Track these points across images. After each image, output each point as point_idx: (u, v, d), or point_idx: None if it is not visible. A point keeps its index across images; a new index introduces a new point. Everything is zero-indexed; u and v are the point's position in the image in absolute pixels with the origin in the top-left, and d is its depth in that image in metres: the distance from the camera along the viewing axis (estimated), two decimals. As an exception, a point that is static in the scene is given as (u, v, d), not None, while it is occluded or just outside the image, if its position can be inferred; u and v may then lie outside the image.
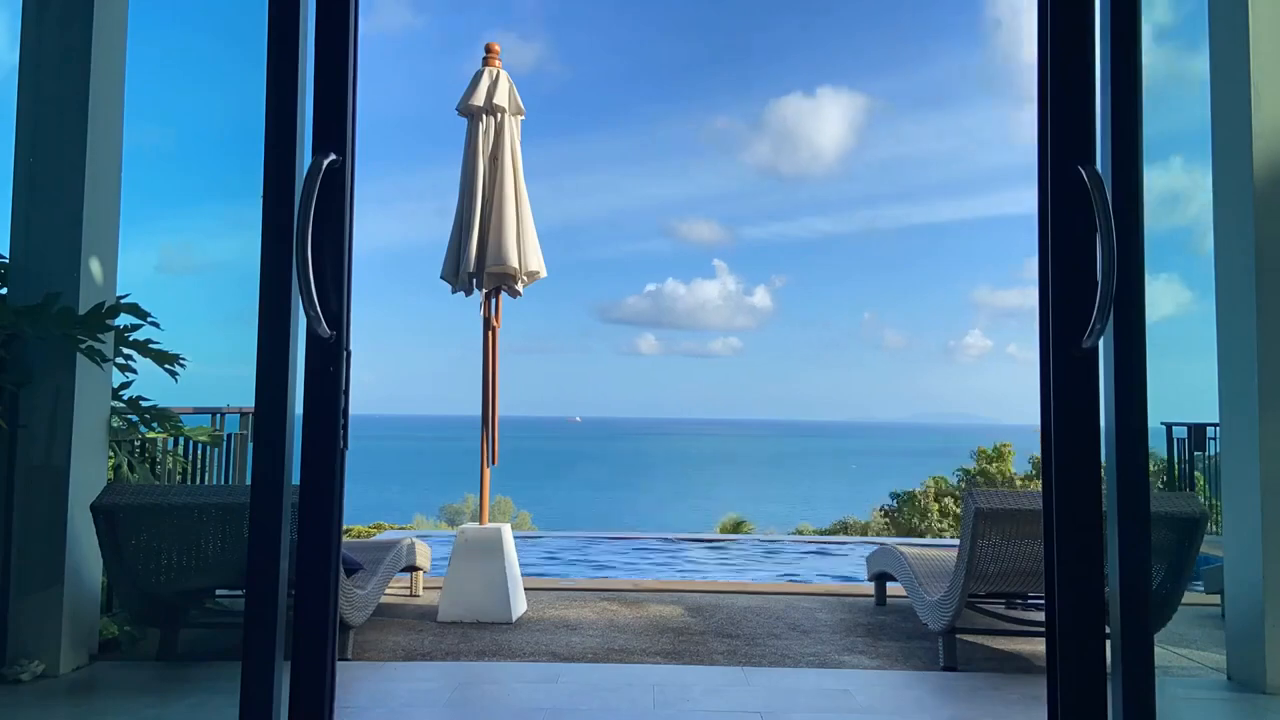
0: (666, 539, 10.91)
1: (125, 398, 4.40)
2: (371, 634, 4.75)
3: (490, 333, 5.57)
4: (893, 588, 5.66)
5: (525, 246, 5.46)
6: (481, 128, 5.50)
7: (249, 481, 2.33)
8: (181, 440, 5.00)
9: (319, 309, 2.27)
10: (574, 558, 9.50)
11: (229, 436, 5.44)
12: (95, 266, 3.98)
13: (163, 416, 4.53)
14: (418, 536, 7.37)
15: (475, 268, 5.40)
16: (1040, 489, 2.51)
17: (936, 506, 24.15)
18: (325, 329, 2.30)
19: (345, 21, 2.41)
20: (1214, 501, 6.26)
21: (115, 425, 4.30)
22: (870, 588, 5.91)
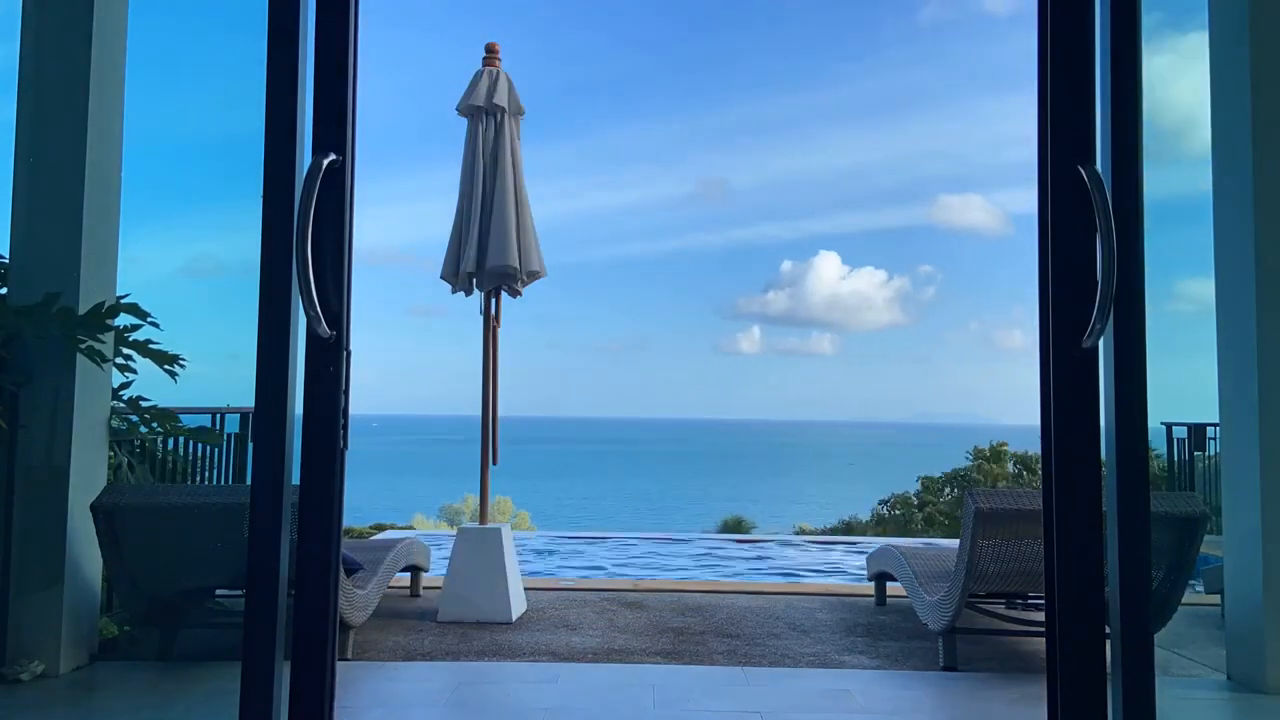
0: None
1: (125, 398, 4.40)
2: (371, 634, 4.75)
3: (490, 333, 5.57)
4: (893, 588, 5.66)
5: (525, 246, 5.46)
6: (481, 128, 5.50)
7: (249, 481, 2.33)
8: (181, 440, 5.00)
9: (319, 309, 2.27)
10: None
11: (229, 436, 5.43)
12: (95, 266, 3.98)
13: (163, 416, 4.53)
14: (418, 536, 7.37)
15: (475, 267, 5.40)
16: (1039, 488, 2.51)
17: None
18: (325, 329, 2.30)
19: (345, 21, 2.41)
20: (1214, 501, 6.26)
21: (115, 425, 4.30)
22: (870, 588, 5.91)
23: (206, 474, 5.28)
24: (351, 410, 2.39)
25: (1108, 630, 2.27)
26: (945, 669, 4.22)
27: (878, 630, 5.05)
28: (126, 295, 4.14)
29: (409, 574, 5.86)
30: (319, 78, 2.39)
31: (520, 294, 5.58)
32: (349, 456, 2.42)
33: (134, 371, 4.36)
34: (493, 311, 5.57)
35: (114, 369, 4.21)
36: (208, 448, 5.26)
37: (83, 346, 3.82)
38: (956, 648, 4.27)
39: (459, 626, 5.01)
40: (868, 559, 5.91)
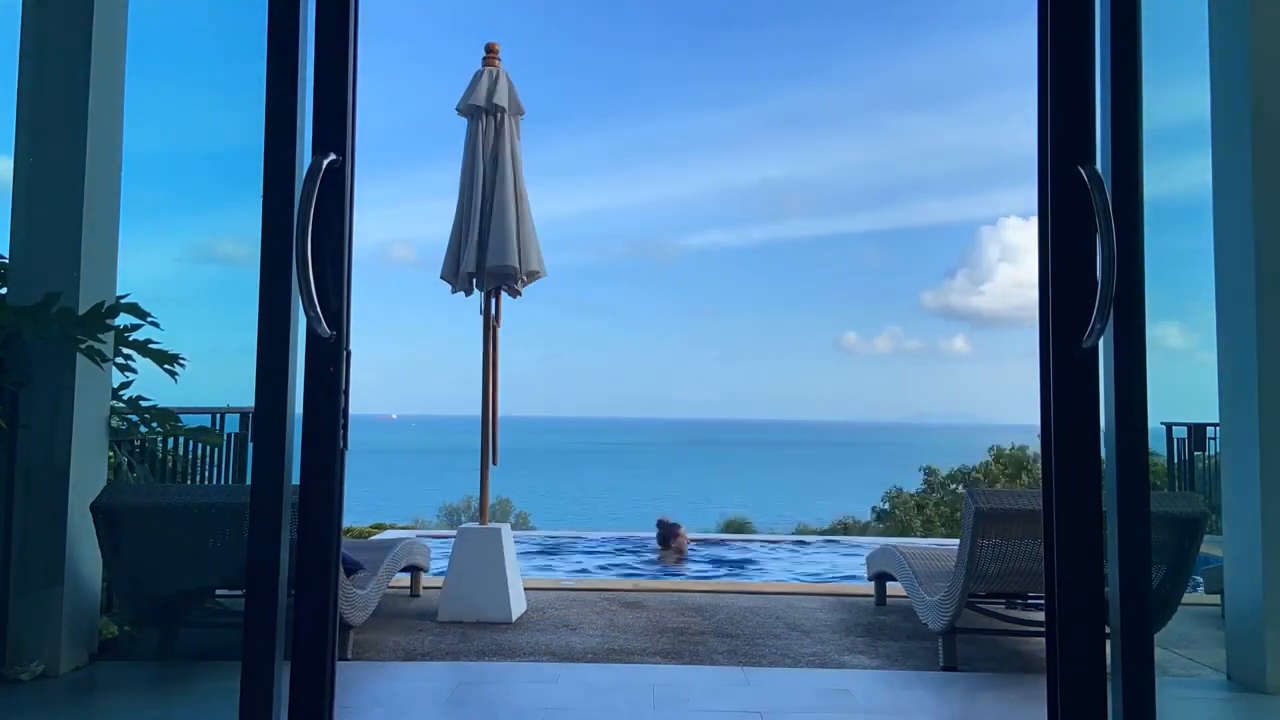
0: None
1: (125, 398, 4.40)
2: (371, 634, 4.75)
3: (490, 333, 5.57)
4: (893, 588, 5.66)
5: (525, 246, 5.46)
6: (481, 127, 5.50)
7: (249, 481, 2.33)
8: (181, 440, 5.00)
9: (319, 309, 2.27)
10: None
11: (229, 436, 5.43)
12: (95, 266, 3.97)
13: (163, 416, 4.53)
14: (418, 536, 7.37)
15: (475, 267, 5.40)
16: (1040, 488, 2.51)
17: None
18: (325, 329, 2.30)
19: (345, 21, 2.41)
20: (1214, 501, 6.26)
21: (115, 425, 4.29)
22: (870, 588, 5.91)
23: (206, 474, 5.28)
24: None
25: (1108, 630, 2.27)
26: (945, 669, 4.22)
27: (878, 630, 5.05)
28: (126, 295, 4.14)
29: (409, 574, 5.86)
30: (319, 78, 2.39)
31: (520, 294, 5.58)
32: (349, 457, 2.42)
33: (134, 371, 4.36)
34: (493, 312, 5.57)
35: (114, 369, 4.21)
36: (208, 448, 5.26)
37: (83, 346, 3.82)
38: (956, 648, 4.27)
39: (459, 626, 5.01)
40: (867, 559, 5.91)
